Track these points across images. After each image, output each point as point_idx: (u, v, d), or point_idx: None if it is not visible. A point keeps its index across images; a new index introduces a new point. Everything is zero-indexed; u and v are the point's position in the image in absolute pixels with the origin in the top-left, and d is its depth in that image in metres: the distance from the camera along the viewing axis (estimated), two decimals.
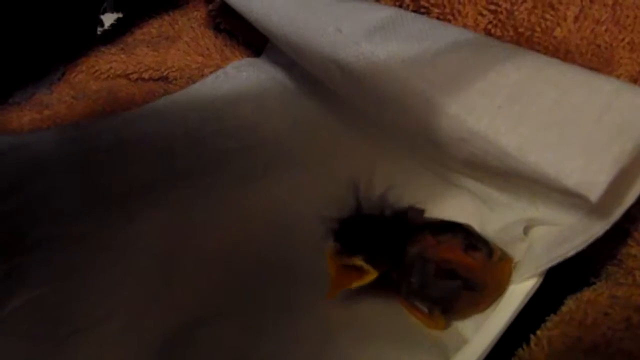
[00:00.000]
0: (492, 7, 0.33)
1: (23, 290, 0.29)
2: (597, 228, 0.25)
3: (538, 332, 0.26)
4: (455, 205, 0.34)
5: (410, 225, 0.28)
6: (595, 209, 0.25)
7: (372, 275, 0.27)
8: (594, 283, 0.28)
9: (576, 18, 0.31)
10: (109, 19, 0.53)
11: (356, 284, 0.27)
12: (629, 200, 0.24)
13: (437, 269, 0.26)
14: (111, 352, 0.28)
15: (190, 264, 0.32)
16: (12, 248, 0.31)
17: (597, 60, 0.31)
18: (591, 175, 0.23)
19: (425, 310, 0.28)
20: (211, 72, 0.46)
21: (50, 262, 0.31)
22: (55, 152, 0.37)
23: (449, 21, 0.34)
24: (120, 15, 0.52)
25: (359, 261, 0.26)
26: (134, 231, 0.32)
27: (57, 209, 0.33)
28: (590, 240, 0.25)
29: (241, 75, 0.45)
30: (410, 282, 0.27)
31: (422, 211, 0.30)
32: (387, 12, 0.32)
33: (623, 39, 0.31)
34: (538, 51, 0.31)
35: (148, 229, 0.33)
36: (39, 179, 0.35)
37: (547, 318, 0.27)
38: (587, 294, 0.27)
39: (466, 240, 0.27)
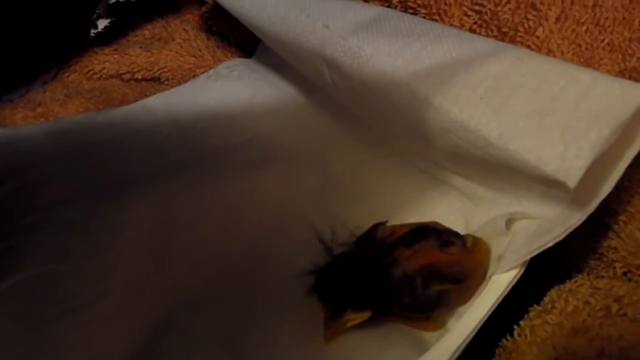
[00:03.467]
0: (477, 7, 0.34)
1: (15, 271, 0.29)
2: (575, 219, 0.25)
3: (521, 322, 0.26)
4: (443, 203, 0.35)
5: (381, 245, 0.28)
6: (573, 202, 0.26)
7: (366, 315, 0.27)
8: (576, 277, 0.29)
9: (557, 18, 0.32)
10: (102, 24, 0.53)
11: (350, 324, 0.28)
12: (604, 192, 0.24)
13: (423, 281, 0.27)
14: (101, 333, 0.29)
15: (180, 252, 0.33)
16: (5, 230, 0.31)
17: (578, 60, 0.32)
18: (569, 161, 0.23)
19: (421, 317, 0.28)
20: (203, 73, 0.46)
21: (43, 245, 0.31)
22: (49, 144, 0.37)
23: (435, 21, 0.35)
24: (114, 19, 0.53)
25: (350, 315, 0.27)
26: (126, 220, 0.33)
27: (51, 196, 0.33)
28: (568, 232, 0.25)
29: (233, 75, 0.45)
30: (402, 302, 0.27)
31: (385, 223, 0.30)
32: (375, 10, 0.33)
33: (603, 40, 0.31)
34: None
35: (139, 219, 0.33)
36: (32, 168, 0.35)
37: (529, 309, 0.27)
38: (568, 285, 0.28)
39: (439, 239, 0.27)
